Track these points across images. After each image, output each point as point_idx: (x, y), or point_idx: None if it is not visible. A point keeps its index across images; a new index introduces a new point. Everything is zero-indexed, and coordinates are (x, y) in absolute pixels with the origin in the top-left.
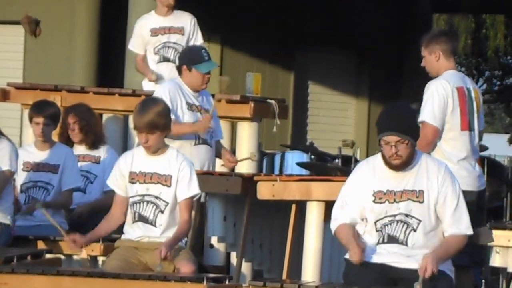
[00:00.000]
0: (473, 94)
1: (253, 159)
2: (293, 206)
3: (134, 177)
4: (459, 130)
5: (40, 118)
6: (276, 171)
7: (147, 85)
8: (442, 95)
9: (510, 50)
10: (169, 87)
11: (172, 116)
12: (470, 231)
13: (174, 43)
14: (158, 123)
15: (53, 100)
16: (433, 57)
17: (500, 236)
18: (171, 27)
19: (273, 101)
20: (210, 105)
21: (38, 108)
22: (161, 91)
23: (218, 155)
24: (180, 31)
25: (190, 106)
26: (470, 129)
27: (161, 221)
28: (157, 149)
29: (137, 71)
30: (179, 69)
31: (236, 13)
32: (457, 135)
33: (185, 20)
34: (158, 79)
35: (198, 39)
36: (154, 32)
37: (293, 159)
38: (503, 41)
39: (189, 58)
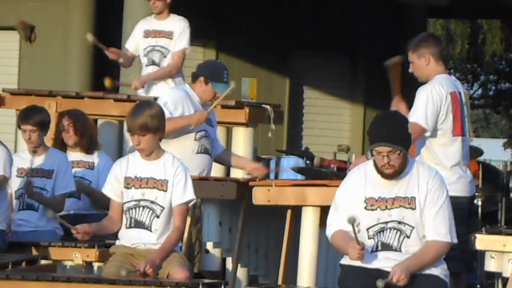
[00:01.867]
0: (463, 99)
1: (233, 87)
2: (289, 211)
3: (129, 182)
4: (451, 135)
5: (27, 126)
6: (272, 176)
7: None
8: (436, 101)
9: (505, 55)
10: (178, 95)
11: (167, 113)
12: (449, 239)
13: (162, 47)
14: (150, 125)
15: (47, 106)
16: (422, 61)
17: (495, 241)
18: (161, 30)
19: (268, 106)
20: (212, 116)
21: (25, 115)
22: (170, 96)
23: (227, 163)
24: (169, 35)
25: None
26: (463, 134)
27: (157, 226)
28: (151, 152)
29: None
30: (195, 77)
31: (232, 19)
32: (449, 140)
33: (176, 24)
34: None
35: (182, 43)
36: (147, 34)
37: (289, 164)
38: (500, 46)
39: (210, 73)
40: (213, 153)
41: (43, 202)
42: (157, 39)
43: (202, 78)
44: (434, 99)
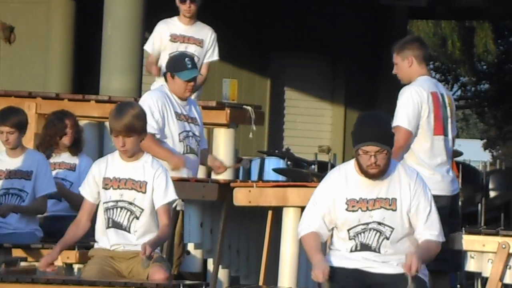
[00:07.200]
0: (446, 100)
1: (245, 166)
2: (270, 212)
3: (107, 183)
4: (432, 134)
5: (4, 127)
6: (253, 177)
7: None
8: (417, 101)
9: (484, 56)
10: (157, 96)
11: (156, 128)
12: (442, 238)
13: (192, 53)
14: (136, 126)
15: (27, 107)
16: (405, 63)
17: (474, 241)
18: (191, 37)
19: (249, 107)
20: (198, 114)
21: (2, 117)
22: (149, 100)
23: (203, 162)
24: (200, 43)
25: (178, 116)
26: (445, 134)
27: (136, 227)
28: (134, 153)
29: (147, 72)
30: (165, 76)
31: (211, 20)
32: (430, 140)
33: (206, 33)
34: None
35: (214, 55)
36: (174, 38)
37: (270, 165)
38: (483, 48)
39: (172, 66)
40: (199, 151)
41: (22, 211)
42: (187, 44)
43: (168, 74)
44: (414, 99)
